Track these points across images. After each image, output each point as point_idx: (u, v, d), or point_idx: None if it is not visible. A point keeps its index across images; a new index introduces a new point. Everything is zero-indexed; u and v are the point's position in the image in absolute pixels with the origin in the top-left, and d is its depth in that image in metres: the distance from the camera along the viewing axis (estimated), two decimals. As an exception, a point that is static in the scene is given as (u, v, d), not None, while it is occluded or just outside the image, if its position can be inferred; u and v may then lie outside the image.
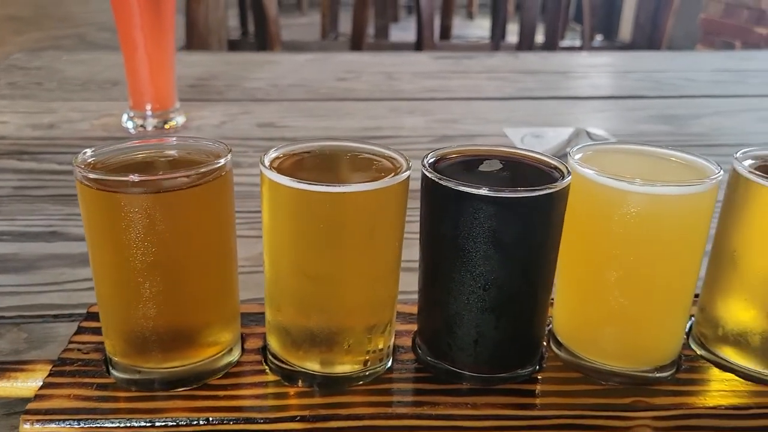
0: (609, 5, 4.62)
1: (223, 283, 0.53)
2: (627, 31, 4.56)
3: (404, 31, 4.96)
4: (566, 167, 0.52)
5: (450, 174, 0.51)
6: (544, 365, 0.56)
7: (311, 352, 0.52)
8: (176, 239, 0.48)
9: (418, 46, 3.02)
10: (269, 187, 0.49)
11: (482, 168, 0.54)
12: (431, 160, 0.53)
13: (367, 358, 0.53)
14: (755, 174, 0.52)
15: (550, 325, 0.59)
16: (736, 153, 0.55)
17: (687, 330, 0.60)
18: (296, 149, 0.53)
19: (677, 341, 0.55)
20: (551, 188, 0.49)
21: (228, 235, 0.52)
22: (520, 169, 0.54)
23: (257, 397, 0.52)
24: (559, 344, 0.57)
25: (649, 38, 3.15)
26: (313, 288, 0.50)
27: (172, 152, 0.53)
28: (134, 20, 1.12)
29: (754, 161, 0.55)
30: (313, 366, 0.52)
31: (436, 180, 0.50)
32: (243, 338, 0.57)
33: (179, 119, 1.21)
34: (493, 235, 0.49)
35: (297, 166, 0.52)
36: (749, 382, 0.54)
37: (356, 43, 3.12)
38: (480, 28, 5.80)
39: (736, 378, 0.55)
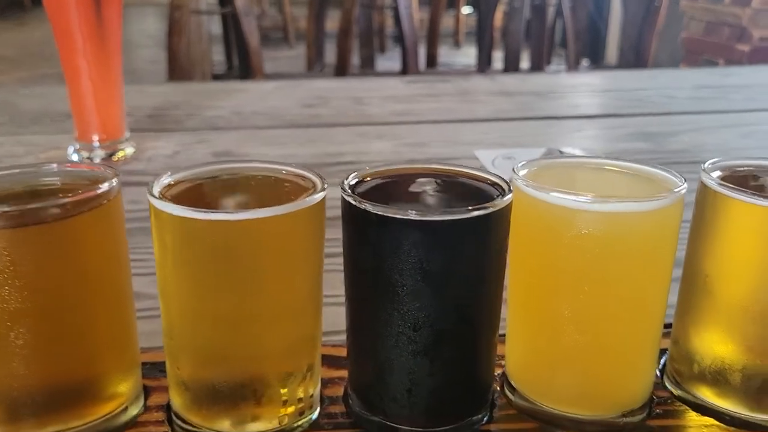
0: (594, 30, 4.62)
1: (114, 329, 0.45)
2: (613, 55, 4.56)
3: (391, 61, 4.96)
4: (507, 184, 0.45)
5: (373, 197, 0.44)
6: (495, 414, 0.48)
7: (215, 409, 0.44)
8: (47, 281, 0.41)
9: (404, 73, 2.98)
10: (156, 217, 0.42)
11: (412, 189, 0.47)
12: (353, 182, 0.46)
13: (285, 412, 0.45)
14: (726, 186, 0.45)
15: (504, 368, 0.51)
16: (705, 164, 0.49)
17: (660, 367, 0.53)
18: (194, 174, 0.46)
19: (647, 381, 0.48)
20: (487, 208, 0.42)
21: (118, 273, 0.45)
22: (456, 189, 0.47)
23: (153, 464, 0.44)
24: (512, 389, 0.49)
25: (634, 61, 3.13)
26: (212, 333, 0.43)
27: (51, 180, 0.46)
28: (77, 45, 1.05)
29: (724, 173, 0.49)
30: (221, 425, 0.45)
31: (355, 203, 0.43)
32: (147, 392, 0.50)
33: (129, 150, 1.14)
34: (421, 266, 0.42)
35: (194, 193, 0.45)
36: (731, 427, 0.47)
37: (341, 73, 3.08)
38: (466, 56, 5.81)
39: (716, 422, 0.47)
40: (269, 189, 0.46)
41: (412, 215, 0.41)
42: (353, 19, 3.13)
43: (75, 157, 1.11)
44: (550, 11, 3.67)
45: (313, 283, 0.45)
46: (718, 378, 0.47)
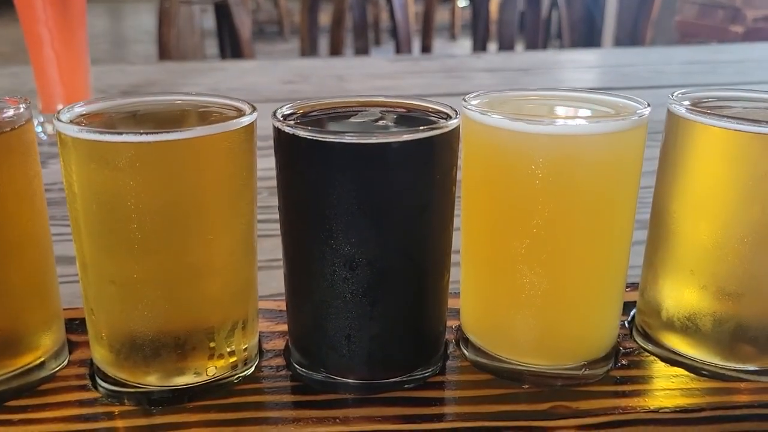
0: (590, 20, 4.58)
1: (28, 278, 0.41)
2: (609, 45, 4.52)
3: (386, 53, 4.94)
4: (455, 111, 0.42)
5: (310, 125, 0.40)
6: (447, 366, 0.45)
7: (134, 360, 0.40)
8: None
9: (396, 64, 2.93)
10: (63, 146, 0.38)
11: (354, 119, 0.43)
12: (287, 111, 0.42)
13: (213, 365, 0.41)
14: (693, 111, 0.41)
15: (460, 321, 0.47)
16: (673, 93, 0.45)
17: (630, 320, 0.49)
18: (113, 105, 0.42)
19: (610, 328, 0.44)
20: (429, 131, 0.38)
21: (30, 209, 0.41)
22: (402, 119, 0.43)
23: (67, 419, 0.40)
24: (466, 340, 0.46)
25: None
26: (124, 275, 0.39)
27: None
28: (38, 13, 1.01)
29: (692, 102, 0.45)
30: (144, 379, 0.41)
31: (284, 129, 0.39)
32: (74, 348, 0.46)
33: (95, 123, 1.10)
34: (356, 196, 0.38)
35: (110, 122, 0.41)
36: (701, 378, 0.43)
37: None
38: (462, 47, 5.79)
39: (686, 373, 0.43)
40: (195, 119, 0.42)
41: (346, 138, 0.37)
42: (346, 8, 3.09)
43: (39, 130, 1.07)
44: (545, 2, 3.64)
45: (242, 227, 0.41)
46: (687, 325, 0.43)
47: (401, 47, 3.03)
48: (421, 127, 0.38)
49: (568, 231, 0.40)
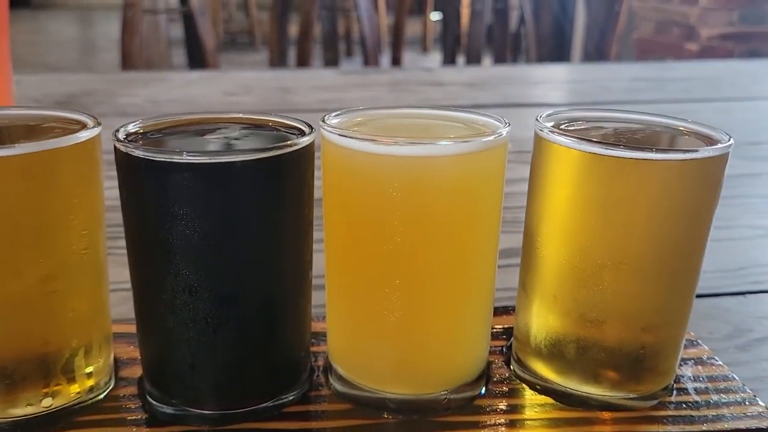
0: (559, 35, 4.61)
1: None
2: (577, 59, 4.56)
3: (357, 65, 4.95)
4: (311, 129, 0.40)
5: (149, 144, 0.39)
6: (308, 395, 0.43)
7: (-42, 389, 0.38)
8: None
9: (364, 75, 2.93)
10: None
11: (205, 137, 0.41)
12: (132, 129, 0.40)
13: (49, 395, 0.39)
14: (555, 132, 0.40)
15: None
16: (540, 115, 0.44)
17: (508, 346, 0.48)
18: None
19: (475, 355, 0.43)
20: (270, 151, 0.36)
21: None
22: (255, 136, 0.42)
23: None
24: (330, 367, 0.44)
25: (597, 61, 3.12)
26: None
27: None
28: (-46, 21, 0.98)
29: (559, 123, 0.44)
30: (-25, 408, 0.38)
31: (120, 147, 0.37)
32: None
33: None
34: (192, 219, 0.36)
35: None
36: (568, 406, 0.41)
37: (300, 75, 3.00)
38: (433, 61, 5.82)
39: (552, 401, 0.42)
40: (34, 134, 0.40)
41: (184, 158, 0.35)
42: (313, 20, 3.07)
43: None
44: (514, 16, 3.67)
45: (79, 247, 0.38)
46: (553, 352, 0.42)
47: (368, 59, 3.02)
48: (265, 146, 0.36)
49: (424, 255, 0.38)
